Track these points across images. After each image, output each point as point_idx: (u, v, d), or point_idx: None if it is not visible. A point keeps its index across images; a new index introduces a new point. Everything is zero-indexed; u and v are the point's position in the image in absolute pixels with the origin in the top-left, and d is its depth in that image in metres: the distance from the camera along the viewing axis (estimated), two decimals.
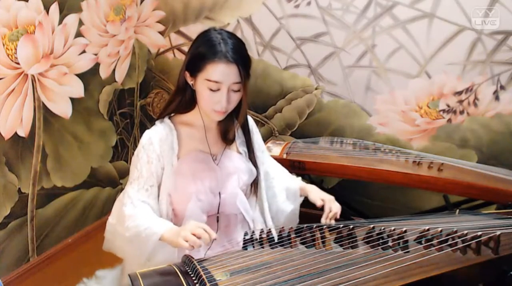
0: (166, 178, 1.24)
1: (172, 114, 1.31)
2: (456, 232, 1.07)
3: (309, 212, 1.49)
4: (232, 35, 1.21)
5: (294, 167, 1.95)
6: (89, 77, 2.21)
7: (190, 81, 1.23)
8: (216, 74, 1.15)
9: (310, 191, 1.39)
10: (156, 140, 1.23)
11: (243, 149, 1.38)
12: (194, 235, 1.04)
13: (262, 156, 1.44)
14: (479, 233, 1.05)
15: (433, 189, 1.78)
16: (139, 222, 1.17)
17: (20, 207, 1.95)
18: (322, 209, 1.31)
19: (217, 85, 1.16)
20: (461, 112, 2.13)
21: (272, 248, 1.07)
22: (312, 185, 1.44)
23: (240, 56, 1.17)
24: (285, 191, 1.45)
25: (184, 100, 1.27)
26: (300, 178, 1.51)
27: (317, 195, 1.36)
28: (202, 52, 1.17)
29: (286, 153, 2.00)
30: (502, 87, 2.05)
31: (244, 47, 1.22)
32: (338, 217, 1.29)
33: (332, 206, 1.30)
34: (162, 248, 1.18)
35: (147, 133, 1.26)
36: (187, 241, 1.04)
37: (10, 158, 1.86)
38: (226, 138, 1.34)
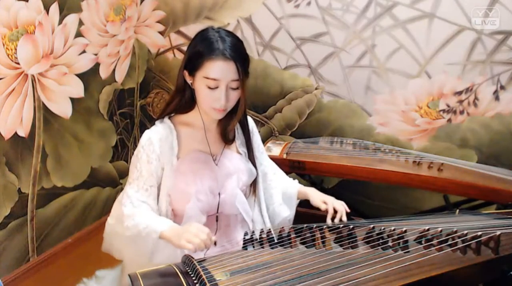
0: (166, 178, 1.24)
1: (172, 115, 1.31)
2: (456, 232, 1.07)
3: (309, 212, 1.49)
4: (229, 33, 1.21)
5: (294, 167, 1.95)
6: (89, 77, 2.21)
7: (189, 80, 1.23)
8: (214, 71, 1.15)
9: (310, 195, 1.38)
10: (156, 140, 1.23)
11: (243, 149, 1.38)
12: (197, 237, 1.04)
13: (261, 157, 1.44)
14: (479, 233, 1.05)
15: (433, 189, 1.78)
16: (138, 221, 1.16)
17: (20, 207, 1.94)
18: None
19: (215, 82, 1.16)
20: (461, 112, 2.13)
21: (272, 248, 1.07)
22: (311, 188, 1.43)
23: (238, 54, 1.17)
24: (281, 194, 1.44)
25: (183, 100, 1.27)
26: (297, 181, 1.50)
27: (318, 199, 1.34)
28: (200, 50, 1.17)
29: (286, 153, 2.00)
30: (502, 87, 2.05)
31: (242, 45, 1.21)
32: (347, 212, 1.28)
33: (336, 206, 1.30)
34: (163, 248, 1.18)
35: (146, 133, 1.26)
36: (190, 243, 1.03)
37: (10, 158, 1.86)
38: (226, 139, 1.34)
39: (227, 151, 1.34)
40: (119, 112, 2.51)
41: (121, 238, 1.22)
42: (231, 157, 1.33)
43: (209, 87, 1.17)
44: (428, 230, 1.09)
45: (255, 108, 2.46)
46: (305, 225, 1.15)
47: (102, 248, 1.34)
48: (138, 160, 1.24)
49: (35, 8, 1.85)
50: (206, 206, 1.26)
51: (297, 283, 0.90)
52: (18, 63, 1.82)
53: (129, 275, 0.95)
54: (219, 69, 1.15)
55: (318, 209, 1.33)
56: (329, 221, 1.26)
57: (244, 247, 1.09)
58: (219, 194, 1.28)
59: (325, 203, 1.32)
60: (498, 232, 1.05)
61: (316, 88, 2.34)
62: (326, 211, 1.29)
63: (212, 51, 1.15)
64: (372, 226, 1.13)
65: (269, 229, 1.15)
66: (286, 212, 1.42)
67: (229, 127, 1.32)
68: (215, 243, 1.08)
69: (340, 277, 0.92)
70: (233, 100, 1.21)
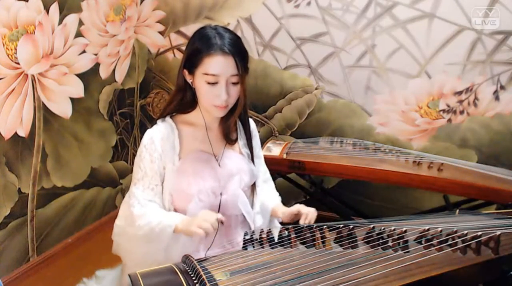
0: (168, 177, 1.24)
1: (174, 114, 1.30)
2: (456, 232, 1.07)
3: None
4: (227, 30, 1.21)
5: (294, 167, 1.95)
6: (89, 77, 2.21)
7: (189, 79, 1.23)
8: (213, 67, 1.15)
9: (281, 213, 1.34)
10: (158, 140, 1.23)
11: (246, 150, 1.38)
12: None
13: (257, 162, 1.43)
14: (479, 233, 1.05)
15: (433, 189, 1.78)
16: (150, 219, 1.18)
17: (20, 207, 1.95)
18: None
19: (215, 78, 1.16)
20: (461, 112, 2.13)
21: (272, 248, 1.07)
22: (283, 207, 1.38)
23: (237, 49, 1.17)
24: (260, 203, 1.43)
25: (184, 100, 1.27)
26: (280, 198, 1.46)
27: (289, 208, 1.32)
28: (198, 47, 1.17)
29: (286, 153, 2.00)
30: (502, 87, 2.05)
31: (241, 41, 1.21)
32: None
33: (308, 209, 1.28)
34: (175, 242, 1.19)
35: (148, 132, 1.26)
36: (199, 228, 1.06)
37: (10, 158, 1.86)
38: (228, 138, 1.33)
39: (229, 150, 1.34)
40: (119, 112, 2.51)
41: (133, 237, 1.23)
42: (233, 157, 1.33)
43: (209, 83, 1.17)
44: (428, 230, 1.09)
45: (255, 108, 2.46)
46: (305, 225, 1.15)
47: (112, 250, 1.34)
48: (141, 160, 1.24)
49: (35, 8, 1.85)
50: (208, 206, 1.26)
51: (297, 283, 0.90)
52: (18, 63, 1.82)
53: (129, 275, 0.95)
54: (218, 65, 1.15)
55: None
56: (302, 222, 1.25)
57: (244, 247, 1.09)
58: (220, 194, 1.28)
59: (295, 208, 1.30)
60: (498, 232, 1.04)
61: (316, 88, 2.34)
62: (300, 214, 1.27)
63: (210, 47, 1.15)
64: (372, 226, 1.13)
65: (269, 229, 1.14)
66: (259, 221, 1.41)
67: (228, 122, 1.32)
68: (222, 222, 1.11)
69: (340, 277, 0.92)
70: (234, 96, 1.21)
